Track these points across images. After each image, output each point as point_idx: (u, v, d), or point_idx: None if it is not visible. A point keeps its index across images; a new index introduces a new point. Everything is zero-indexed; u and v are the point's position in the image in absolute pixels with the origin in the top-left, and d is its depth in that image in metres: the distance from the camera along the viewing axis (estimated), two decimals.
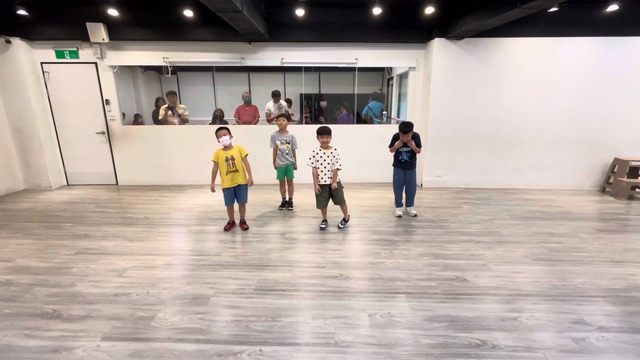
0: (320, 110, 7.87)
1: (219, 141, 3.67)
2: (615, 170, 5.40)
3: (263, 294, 2.59)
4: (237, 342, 2.07)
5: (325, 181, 3.76)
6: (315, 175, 3.78)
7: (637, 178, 5.27)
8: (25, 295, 2.59)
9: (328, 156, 3.71)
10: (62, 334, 2.14)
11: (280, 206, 4.63)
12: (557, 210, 4.58)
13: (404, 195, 4.35)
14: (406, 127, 3.91)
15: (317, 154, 3.73)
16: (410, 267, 3.00)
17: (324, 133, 3.71)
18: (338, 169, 3.75)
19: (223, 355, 1.97)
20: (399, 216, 4.30)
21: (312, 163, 3.77)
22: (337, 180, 3.78)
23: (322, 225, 3.92)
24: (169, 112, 5.71)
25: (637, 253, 3.32)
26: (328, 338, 2.11)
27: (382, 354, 1.98)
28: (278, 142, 4.36)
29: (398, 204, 4.36)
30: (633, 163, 5.24)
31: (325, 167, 3.73)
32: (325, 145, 3.74)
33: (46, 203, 4.91)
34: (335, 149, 3.75)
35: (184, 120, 5.86)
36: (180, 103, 6.21)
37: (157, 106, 6.21)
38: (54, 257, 3.20)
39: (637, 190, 5.31)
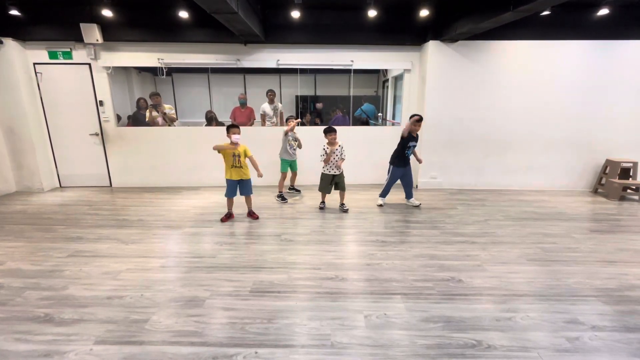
0: (317, 113, 7.89)
1: (230, 137, 3.93)
2: (607, 171, 5.46)
3: (259, 295, 2.58)
4: (232, 344, 2.06)
5: (334, 172, 4.45)
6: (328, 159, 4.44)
7: (628, 179, 5.35)
8: (16, 298, 2.54)
9: (336, 152, 4.41)
10: (54, 338, 2.11)
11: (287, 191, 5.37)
12: (550, 211, 4.63)
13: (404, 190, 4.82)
14: (421, 117, 4.45)
15: (328, 149, 4.39)
16: (406, 268, 3.01)
17: (331, 131, 4.37)
18: (342, 159, 4.48)
19: (218, 358, 1.95)
20: (381, 205, 4.75)
21: (324, 155, 4.42)
22: (341, 169, 4.50)
23: (320, 206, 4.63)
24: (154, 113, 5.66)
25: (629, 253, 3.36)
26: (324, 340, 2.10)
27: (378, 355, 1.98)
28: (290, 138, 4.96)
29: (385, 194, 4.80)
30: (624, 164, 5.31)
31: (334, 161, 4.43)
32: (332, 142, 4.37)
33: (38, 205, 4.85)
34: (341, 145, 4.43)
35: (170, 119, 5.80)
36: (176, 104, 6.15)
37: (138, 107, 6.06)
38: (46, 260, 3.15)
39: (629, 191, 5.38)
